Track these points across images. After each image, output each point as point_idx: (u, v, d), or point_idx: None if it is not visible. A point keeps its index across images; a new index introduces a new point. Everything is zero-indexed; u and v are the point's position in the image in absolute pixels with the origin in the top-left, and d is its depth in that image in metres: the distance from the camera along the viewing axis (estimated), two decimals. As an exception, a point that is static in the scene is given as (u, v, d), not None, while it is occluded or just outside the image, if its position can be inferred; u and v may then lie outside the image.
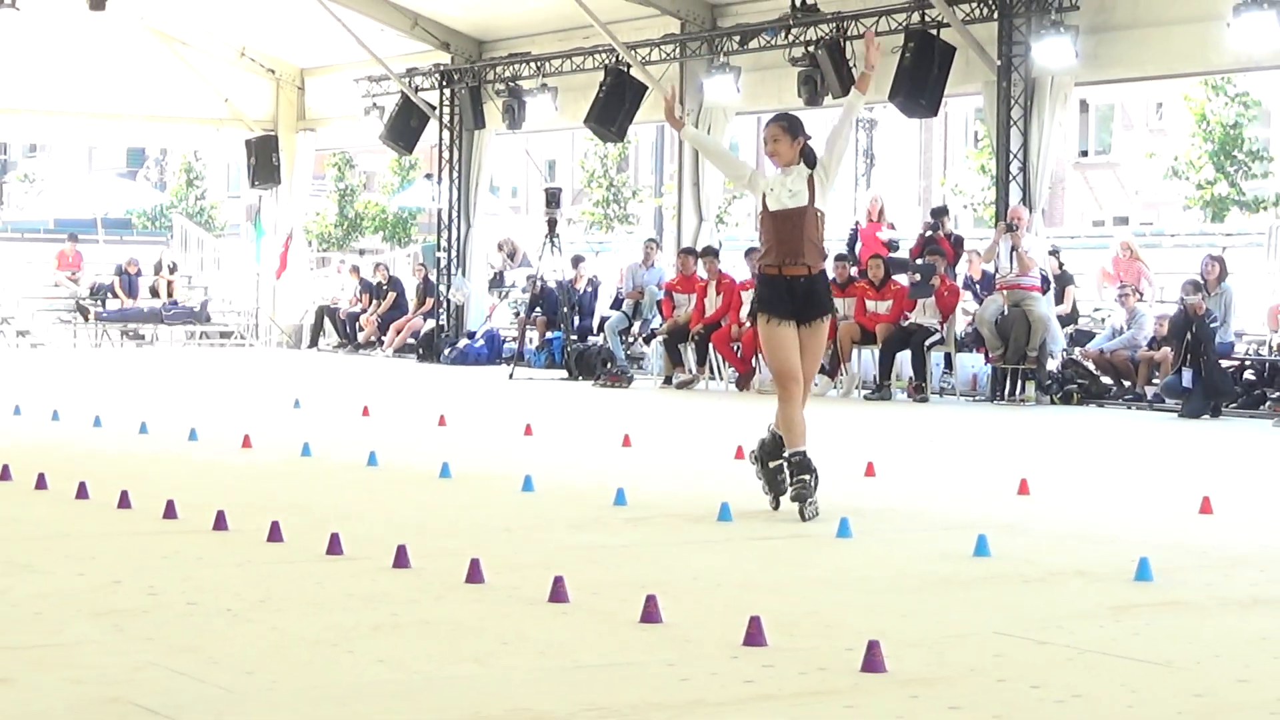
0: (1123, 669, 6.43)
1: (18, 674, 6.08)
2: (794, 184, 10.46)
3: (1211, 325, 19.89)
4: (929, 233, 24.17)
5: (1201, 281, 20.66)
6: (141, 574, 8.18)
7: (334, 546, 8.78)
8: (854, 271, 23.30)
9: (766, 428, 10.66)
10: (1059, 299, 23.09)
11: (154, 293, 36.55)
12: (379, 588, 7.94)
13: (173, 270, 37.40)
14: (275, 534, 9.19)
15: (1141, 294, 22.55)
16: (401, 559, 8.41)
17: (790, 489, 10.34)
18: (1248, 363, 21.10)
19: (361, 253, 49.15)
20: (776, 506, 10.56)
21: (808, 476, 10.29)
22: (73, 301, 36.28)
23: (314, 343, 35.16)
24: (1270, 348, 21.24)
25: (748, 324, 21.98)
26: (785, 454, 10.40)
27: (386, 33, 30.60)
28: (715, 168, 10.83)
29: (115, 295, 36.13)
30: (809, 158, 10.57)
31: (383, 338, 32.98)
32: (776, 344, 10.53)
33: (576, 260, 29.11)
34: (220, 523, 9.61)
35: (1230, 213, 40.62)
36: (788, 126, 10.60)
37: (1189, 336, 19.57)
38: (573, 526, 10.14)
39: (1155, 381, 20.82)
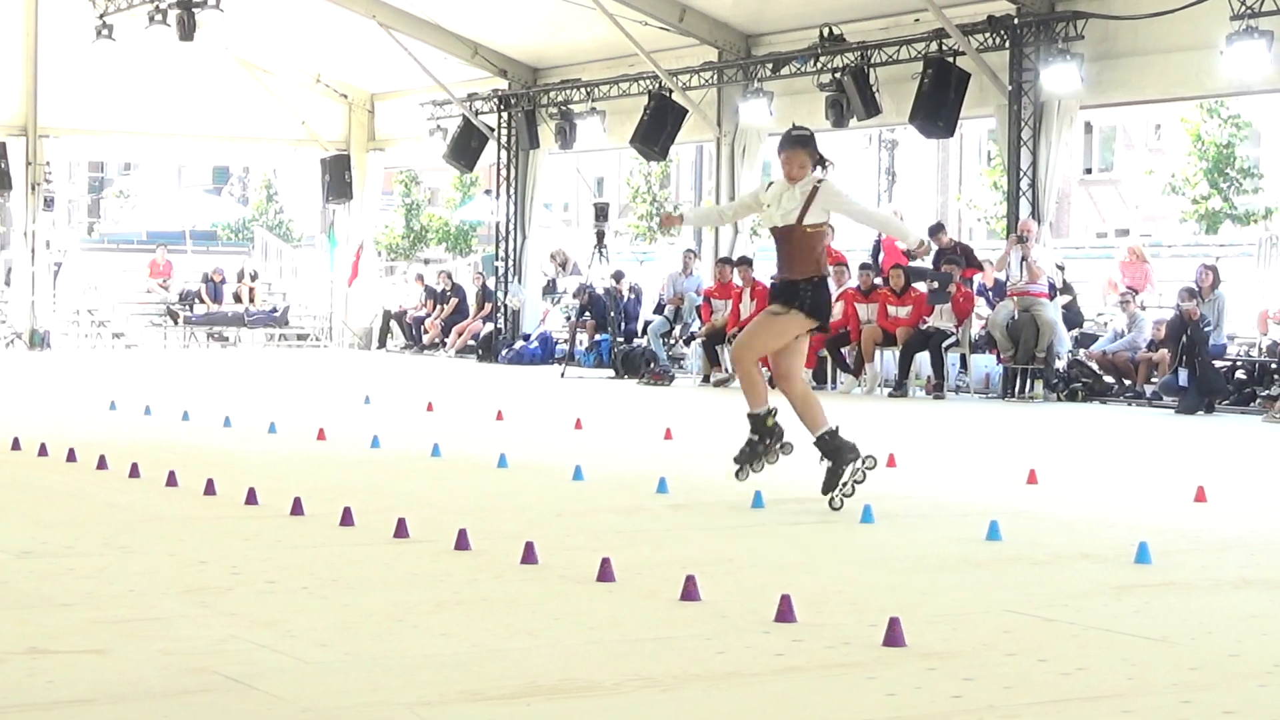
0: (1124, 644, 6.40)
1: (114, 645, 6.11)
2: (789, 202, 10.29)
3: (1205, 329, 19.80)
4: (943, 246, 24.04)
5: (1196, 288, 20.56)
6: (226, 555, 8.21)
7: (401, 530, 8.79)
8: (877, 280, 23.27)
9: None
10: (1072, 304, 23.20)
11: (237, 298, 36.72)
12: (441, 568, 7.95)
13: (254, 278, 37.59)
14: (347, 519, 9.21)
15: (1144, 305, 22.50)
16: (462, 542, 8.42)
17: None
18: (1239, 363, 20.98)
19: (426, 262, 49.16)
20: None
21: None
22: (163, 306, 36.50)
23: (382, 344, 35.23)
24: (1260, 349, 21.14)
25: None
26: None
27: (449, 61, 30.67)
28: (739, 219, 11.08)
29: (202, 301, 36.34)
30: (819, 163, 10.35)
31: (445, 340, 33.02)
32: None
33: (618, 275, 29.11)
34: (297, 508, 9.63)
35: (1223, 225, 40.33)
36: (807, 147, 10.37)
37: (1184, 339, 19.48)
38: (619, 512, 10.14)
39: (1154, 380, 20.74)
